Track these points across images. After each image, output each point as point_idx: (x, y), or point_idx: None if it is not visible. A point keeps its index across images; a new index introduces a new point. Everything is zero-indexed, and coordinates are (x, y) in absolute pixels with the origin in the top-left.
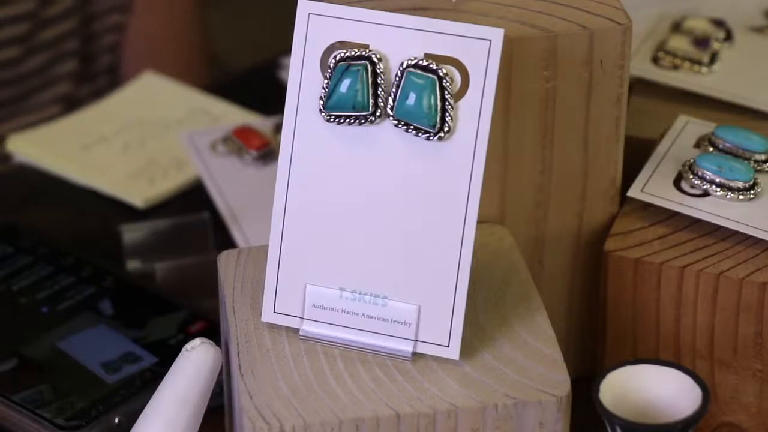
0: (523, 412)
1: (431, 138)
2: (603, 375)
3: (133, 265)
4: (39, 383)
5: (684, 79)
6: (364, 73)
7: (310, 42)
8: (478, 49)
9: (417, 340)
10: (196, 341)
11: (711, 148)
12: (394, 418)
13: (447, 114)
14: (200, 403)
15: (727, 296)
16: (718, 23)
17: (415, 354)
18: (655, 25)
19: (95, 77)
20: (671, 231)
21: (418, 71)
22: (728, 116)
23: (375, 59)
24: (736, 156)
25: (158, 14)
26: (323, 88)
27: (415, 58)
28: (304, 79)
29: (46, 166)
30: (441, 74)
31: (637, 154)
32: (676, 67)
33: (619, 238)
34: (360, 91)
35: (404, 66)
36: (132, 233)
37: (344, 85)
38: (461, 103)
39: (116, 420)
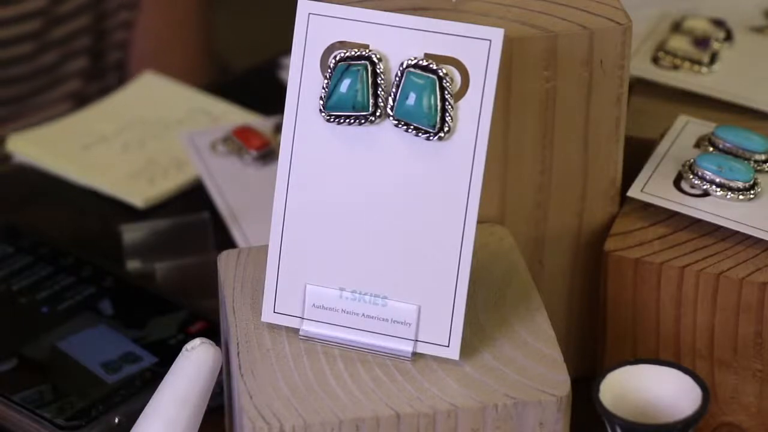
0: (523, 412)
1: (431, 138)
2: (603, 375)
3: (133, 265)
4: (39, 383)
5: (684, 79)
6: (364, 73)
7: (310, 42)
8: (478, 49)
9: (417, 340)
10: (196, 341)
11: (711, 148)
12: (394, 418)
13: (447, 114)
14: (200, 403)
15: (727, 296)
16: (718, 23)
17: (415, 354)
18: (655, 25)
19: (104, 74)
20: (671, 231)
21: (418, 71)
22: (728, 116)
23: (375, 59)
24: (736, 156)
25: (165, 12)
26: (323, 88)
27: (415, 58)
28: (304, 79)
29: (46, 166)
30: (441, 74)
31: (637, 154)
32: (676, 67)
33: (619, 238)
34: (360, 91)
35: (404, 66)
36: (132, 233)
37: (344, 85)
38: (461, 103)
39: (116, 420)
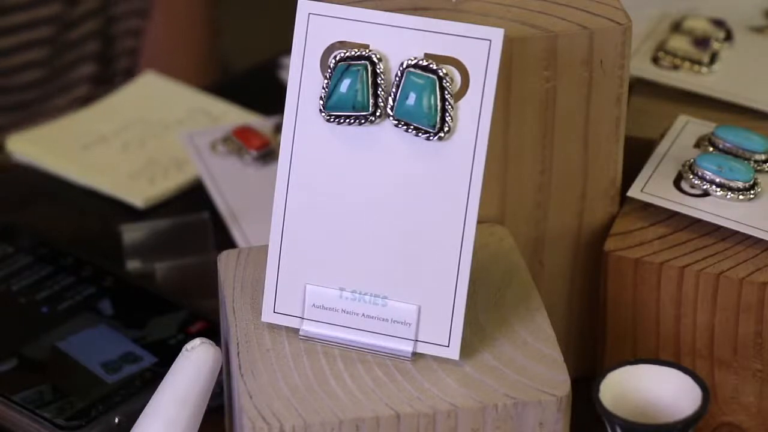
0: (523, 412)
1: (431, 138)
2: (603, 375)
3: (133, 265)
4: (39, 383)
5: (684, 79)
6: (364, 73)
7: (310, 42)
8: (478, 49)
9: (417, 340)
10: (196, 341)
11: (711, 148)
12: (394, 418)
13: (447, 114)
14: (200, 403)
15: (727, 296)
16: (718, 23)
17: (415, 354)
18: (655, 25)
19: (113, 80)
20: (671, 231)
21: (418, 71)
22: (728, 116)
23: (375, 59)
24: (736, 156)
25: (175, 21)
26: (323, 88)
27: (415, 58)
28: (304, 79)
29: (45, 165)
30: (441, 74)
31: (637, 154)
32: (676, 67)
33: (619, 238)
34: (360, 91)
35: (404, 66)
36: (132, 233)
37: (344, 85)
38: (461, 103)
39: (116, 420)
